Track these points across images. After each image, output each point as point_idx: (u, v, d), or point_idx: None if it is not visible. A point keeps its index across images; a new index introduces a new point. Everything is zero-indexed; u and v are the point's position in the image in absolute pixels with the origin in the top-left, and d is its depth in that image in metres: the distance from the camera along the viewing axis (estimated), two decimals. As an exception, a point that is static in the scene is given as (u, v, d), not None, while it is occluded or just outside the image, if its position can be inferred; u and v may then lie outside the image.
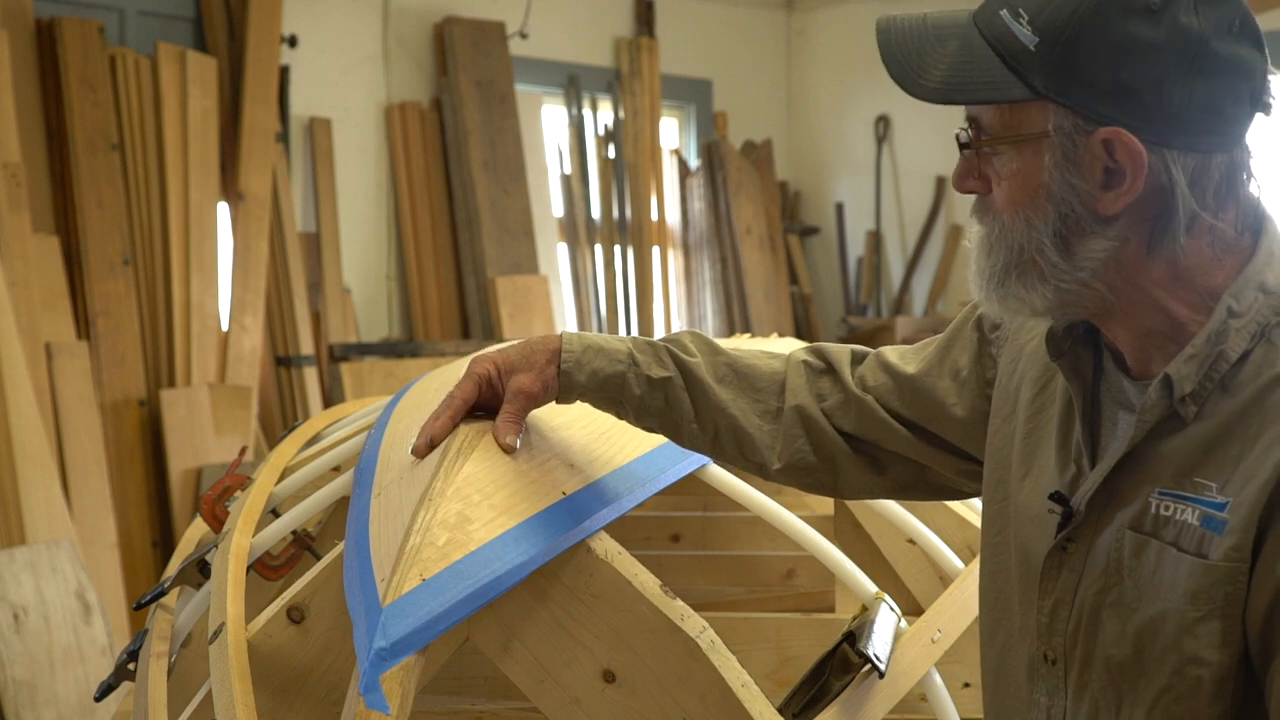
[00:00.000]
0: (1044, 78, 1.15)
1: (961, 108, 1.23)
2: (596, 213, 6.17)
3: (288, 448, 2.25)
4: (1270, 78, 1.18)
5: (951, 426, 1.45)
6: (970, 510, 2.10)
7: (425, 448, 1.46)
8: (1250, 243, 1.20)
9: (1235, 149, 1.17)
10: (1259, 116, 1.18)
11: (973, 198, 1.26)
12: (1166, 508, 1.17)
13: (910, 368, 1.49)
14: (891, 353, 1.53)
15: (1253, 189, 1.20)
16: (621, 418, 1.52)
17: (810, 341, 1.76)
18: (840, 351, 1.55)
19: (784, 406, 1.50)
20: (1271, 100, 1.18)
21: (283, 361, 5.02)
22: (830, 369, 1.53)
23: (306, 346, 5.04)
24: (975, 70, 1.18)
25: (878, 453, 1.50)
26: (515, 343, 1.50)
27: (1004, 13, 1.18)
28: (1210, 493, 1.14)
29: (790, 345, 1.99)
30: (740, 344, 1.64)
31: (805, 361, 1.54)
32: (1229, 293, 1.17)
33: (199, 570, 1.82)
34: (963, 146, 1.23)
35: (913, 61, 1.20)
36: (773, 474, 1.51)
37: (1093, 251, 1.18)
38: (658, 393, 1.48)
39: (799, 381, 1.51)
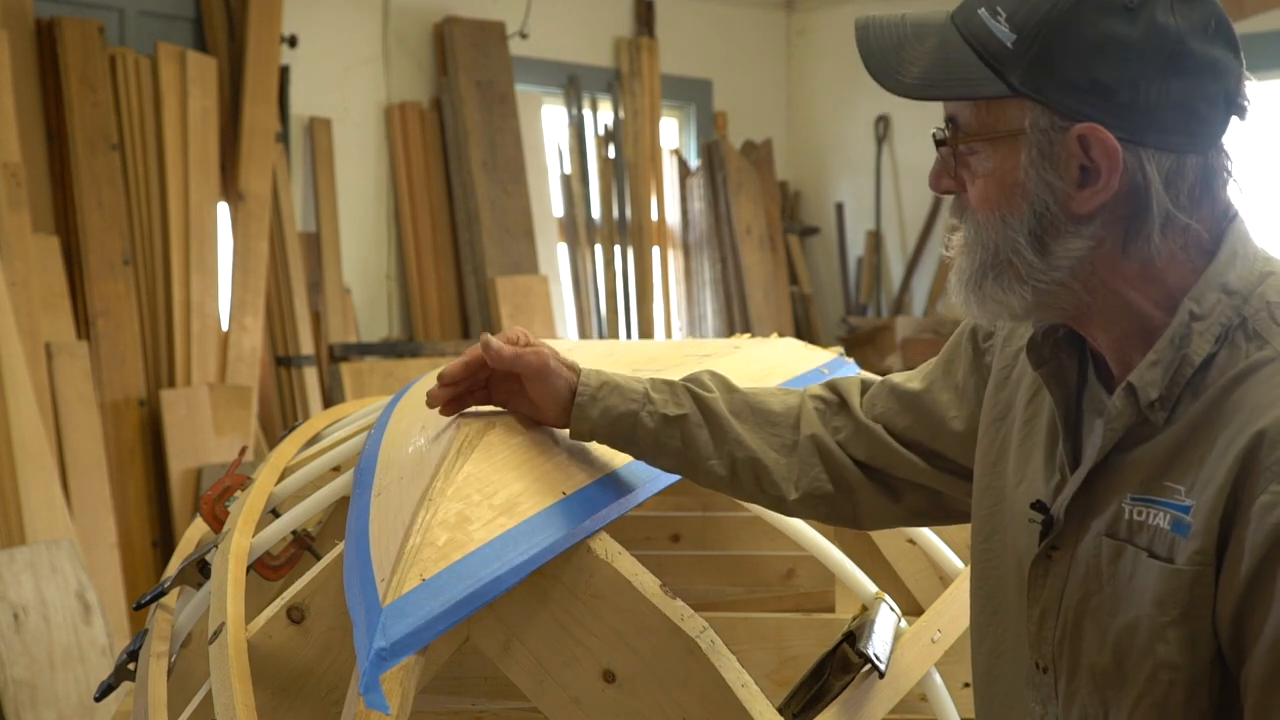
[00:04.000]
0: (1021, 74, 1.15)
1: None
2: (596, 213, 6.17)
3: (288, 448, 2.25)
4: (1245, 81, 1.18)
5: (953, 441, 1.45)
6: (970, 510, 2.10)
7: (438, 393, 1.47)
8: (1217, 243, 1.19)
9: (1210, 151, 1.17)
10: (1234, 120, 1.18)
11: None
12: (1139, 513, 1.17)
13: (914, 385, 1.50)
14: (898, 375, 1.53)
15: (1229, 192, 1.19)
16: (638, 458, 1.50)
17: (810, 341, 1.76)
18: (851, 384, 1.55)
19: (799, 439, 1.49)
20: (1246, 103, 1.18)
21: (283, 361, 5.02)
22: (843, 403, 1.53)
23: (306, 346, 5.03)
24: (953, 67, 1.19)
25: (891, 480, 1.50)
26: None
27: (982, 11, 1.18)
28: (1179, 496, 1.14)
29: (789, 345, 1.97)
30: (747, 360, 1.62)
31: (818, 397, 1.54)
32: (1189, 295, 1.17)
33: (199, 570, 1.82)
34: (939, 144, 1.24)
35: (890, 58, 1.21)
36: (790, 505, 1.50)
37: (1069, 251, 1.18)
38: (673, 430, 1.46)
39: (812, 415, 1.51)
